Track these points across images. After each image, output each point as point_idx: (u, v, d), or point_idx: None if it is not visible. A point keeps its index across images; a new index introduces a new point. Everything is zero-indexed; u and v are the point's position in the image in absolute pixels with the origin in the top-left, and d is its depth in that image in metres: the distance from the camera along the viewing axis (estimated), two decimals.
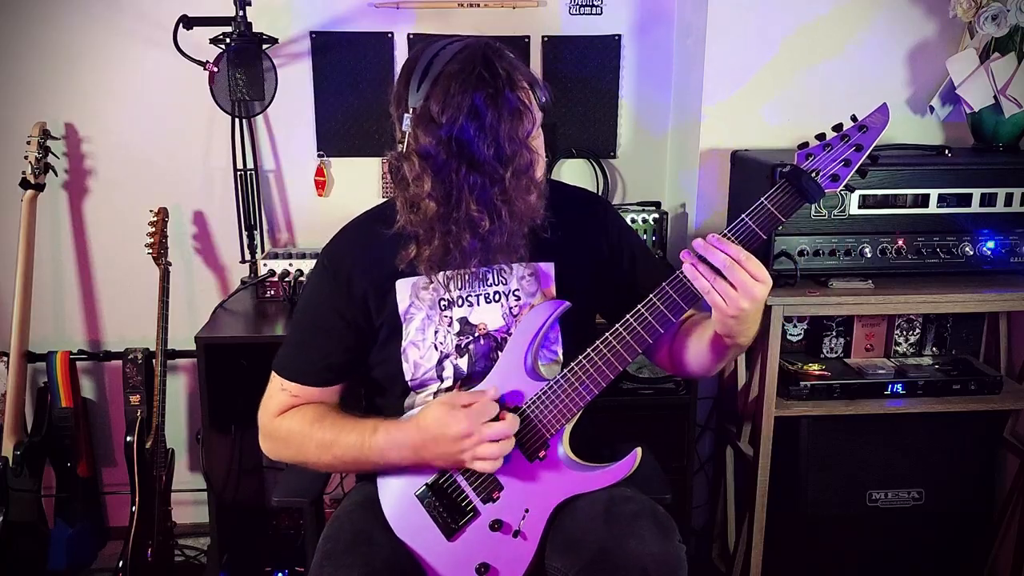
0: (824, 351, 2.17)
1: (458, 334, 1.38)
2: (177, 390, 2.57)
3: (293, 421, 1.38)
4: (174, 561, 2.42)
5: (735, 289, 1.15)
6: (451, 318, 1.38)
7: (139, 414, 2.26)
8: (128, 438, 2.23)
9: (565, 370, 1.31)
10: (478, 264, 1.31)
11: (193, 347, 2.03)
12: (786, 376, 2.03)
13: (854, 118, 1.22)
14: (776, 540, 2.11)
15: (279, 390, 1.40)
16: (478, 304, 1.38)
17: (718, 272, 1.16)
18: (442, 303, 1.38)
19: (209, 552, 2.33)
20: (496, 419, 1.26)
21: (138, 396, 2.27)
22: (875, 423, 2.07)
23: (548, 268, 1.41)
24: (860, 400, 2.02)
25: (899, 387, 2.03)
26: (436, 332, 1.38)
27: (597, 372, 1.29)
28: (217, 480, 2.20)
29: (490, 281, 1.39)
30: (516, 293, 1.39)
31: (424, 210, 1.24)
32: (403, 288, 1.37)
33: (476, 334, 1.38)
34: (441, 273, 1.34)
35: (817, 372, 2.05)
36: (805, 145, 1.23)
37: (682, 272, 1.22)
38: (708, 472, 2.50)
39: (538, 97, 1.28)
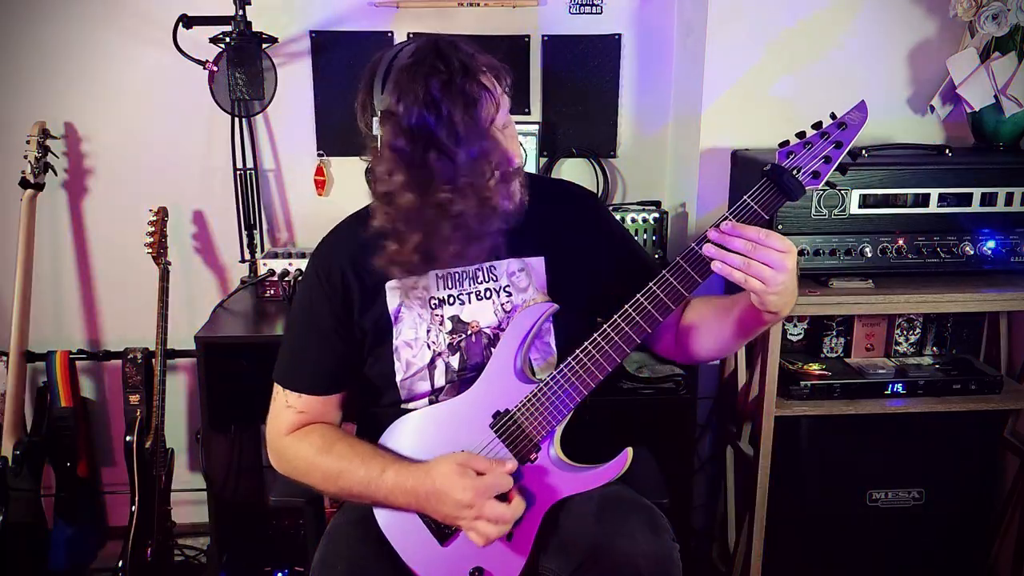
0: (824, 351, 2.17)
1: (450, 332, 1.38)
2: (177, 390, 2.56)
3: (301, 446, 1.37)
4: (174, 561, 2.41)
5: (769, 267, 1.16)
6: (443, 316, 1.38)
7: (139, 414, 2.26)
8: (128, 438, 2.23)
9: (555, 371, 1.30)
10: (459, 258, 1.28)
11: (193, 347, 2.03)
12: (786, 376, 2.02)
13: (833, 115, 1.23)
14: (776, 540, 2.10)
15: (284, 407, 1.40)
16: (469, 302, 1.38)
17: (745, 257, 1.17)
18: (432, 302, 1.38)
19: (209, 552, 2.33)
20: (505, 498, 1.26)
21: (138, 396, 2.27)
22: (875, 423, 2.07)
23: (539, 263, 1.40)
24: (860, 400, 2.01)
25: (899, 387, 2.03)
26: (429, 331, 1.37)
27: (595, 366, 1.28)
28: (217, 480, 2.20)
29: (480, 279, 1.39)
30: (507, 289, 1.39)
31: (399, 203, 1.21)
32: (393, 288, 1.37)
33: (469, 332, 1.38)
34: (432, 273, 1.34)
35: (817, 372, 2.04)
36: (786, 143, 1.24)
37: (681, 262, 1.22)
38: (708, 472, 2.50)
39: (505, 84, 1.26)
